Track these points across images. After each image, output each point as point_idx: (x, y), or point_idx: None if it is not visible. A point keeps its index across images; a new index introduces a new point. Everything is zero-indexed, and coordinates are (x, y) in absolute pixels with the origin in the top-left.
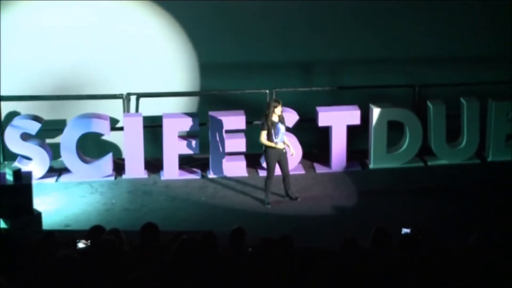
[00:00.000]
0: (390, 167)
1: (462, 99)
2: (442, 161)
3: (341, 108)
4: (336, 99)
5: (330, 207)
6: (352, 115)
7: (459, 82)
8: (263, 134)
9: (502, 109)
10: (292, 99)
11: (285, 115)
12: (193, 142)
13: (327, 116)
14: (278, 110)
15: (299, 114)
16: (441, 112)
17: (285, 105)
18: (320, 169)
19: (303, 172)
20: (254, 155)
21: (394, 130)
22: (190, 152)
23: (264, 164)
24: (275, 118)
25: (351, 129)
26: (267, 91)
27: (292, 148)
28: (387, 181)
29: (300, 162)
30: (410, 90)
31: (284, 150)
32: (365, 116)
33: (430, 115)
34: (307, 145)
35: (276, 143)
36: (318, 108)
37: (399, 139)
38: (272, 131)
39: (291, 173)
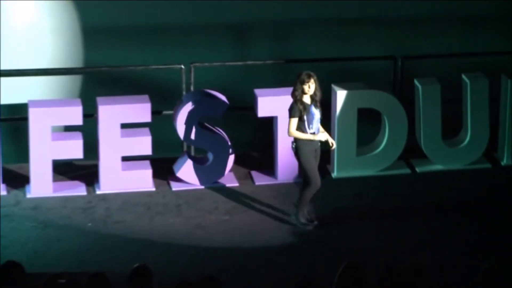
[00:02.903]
0: (362, 176)
1: (464, 76)
2: (436, 166)
3: (290, 90)
4: (283, 78)
5: (276, 233)
6: None
7: (459, 52)
8: (293, 123)
9: None
10: (219, 78)
11: (208, 101)
12: (75, 143)
13: (269, 103)
14: (310, 87)
15: (229, 99)
16: (435, 95)
17: (209, 86)
18: (260, 179)
19: (235, 184)
20: (164, 160)
21: (368, 122)
22: (70, 156)
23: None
24: (306, 99)
25: None
26: (183, 66)
27: (330, 138)
28: (358, 196)
29: (232, 170)
30: (389, 63)
31: (319, 145)
32: (326, 102)
33: (419, 100)
34: (241, 144)
35: (313, 133)
36: (256, 91)
37: (375, 135)
38: (305, 117)
39: (209, 186)
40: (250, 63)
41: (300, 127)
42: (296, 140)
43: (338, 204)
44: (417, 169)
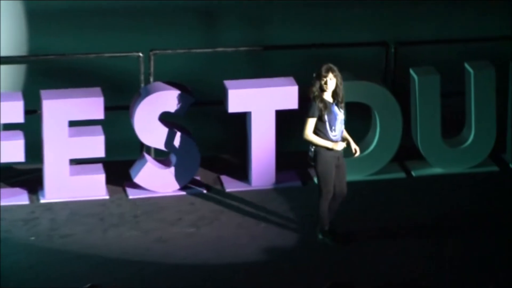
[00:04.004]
0: (349, 181)
1: (467, 65)
2: (435, 169)
3: (266, 82)
4: (258, 68)
5: (248, 248)
6: (285, 94)
7: (461, 37)
8: (310, 124)
9: None
10: (183, 68)
11: (171, 95)
12: (15, 143)
13: (242, 96)
14: (328, 82)
15: (195, 92)
16: (433, 87)
17: (171, 77)
18: (232, 185)
19: (203, 191)
20: (119, 163)
21: (356, 118)
22: (10, 160)
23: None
24: (327, 96)
25: (283, 118)
26: (141, 54)
27: (353, 143)
28: (345, 205)
29: (198, 175)
30: (381, 50)
31: (342, 152)
32: (307, 95)
33: (415, 93)
34: (209, 145)
35: (333, 139)
36: (227, 83)
37: (364, 133)
38: (326, 117)
39: (172, 194)
40: (219, 50)
41: (320, 129)
42: (313, 146)
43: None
44: (413, 173)
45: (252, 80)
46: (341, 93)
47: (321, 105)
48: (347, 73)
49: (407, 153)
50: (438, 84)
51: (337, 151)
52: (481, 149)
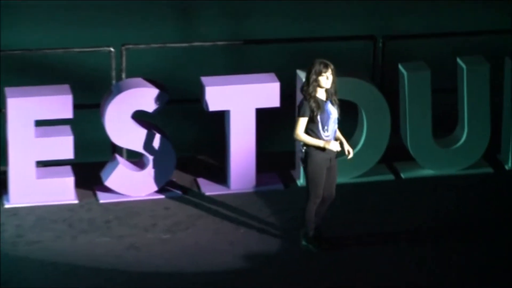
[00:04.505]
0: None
1: (459, 60)
2: (426, 171)
3: (246, 78)
4: (238, 63)
5: (227, 256)
6: (266, 91)
7: (453, 31)
8: (301, 123)
9: None
10: (157, 64)
11: (144, 92)
12: None
13: (220, 94)
14: (326, 80)
15: (170, 89)
16: (424, 84)
17: (145, 73)
18: (209, 188)
19: (175, 195)
20: (89, 165)
21: (342, 117)
22: None
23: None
24: (321, 94)
25: (265, 116)
26: (112, 49)
27: (347, 145)
28: (329, 209)
29: (174, 177)
30: (368, 45)
31: (335, 153)
32: (290, 93)
33: (404, 90)
34: (186, 146)
35: (325, 139)
36: (204, 80)
37: (350, 133)
38: (318, 117)
39: (145, 197)
40: (196, 45)
41: (312, 129)
42: (307, 144)
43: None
44: (402, 175)
45: (231, 77)
46: (334, 88)
47: (314, 104)
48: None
49: (396, 153)
50: (429, 81)
51: (329, 152)
52: (475, 150)
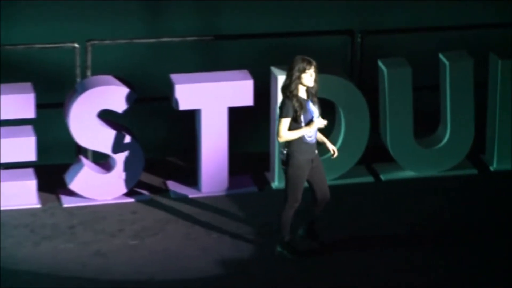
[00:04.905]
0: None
1: (442, 56)
2: (407, 172)
3: (218, 75)
4: (209, 59)
5: (198, 263)
6: (239, 89)
7: (435, 26)
8: (285, 124)
9: None
10: (124, 61)
11: (111, 90)
12: None
13: (190, 92)
14: (310, 78)
15: (138, 87)
16: (405, 81)
17: (111, 70)
18: (180, 191)
19: (143, 198)
20: (53, 168)
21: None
22: None
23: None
24: (302, 93)
25: (238, 115)
26: (77, 45)
27: (330, 144)
28: (305, 213)
29: (142, 180)
30: (346, 40)
31: (317, 154)
32: (264, 90)
33: (384, 87)
34: (154, 147)
35: (308, 140)
36: (174, 77)
37: (328, 132)
38: (302, 117)
39: (112, 201)
40: (165, 40)
41: (295, 130)
42: (289, 146)
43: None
44: (382, 177)
45: (202, 74)
46: (316, 87)
47: (297, 104)
48: None
49: (375, 154)
50: (410, 78)
51: (310, 153)
52: (458, 150)
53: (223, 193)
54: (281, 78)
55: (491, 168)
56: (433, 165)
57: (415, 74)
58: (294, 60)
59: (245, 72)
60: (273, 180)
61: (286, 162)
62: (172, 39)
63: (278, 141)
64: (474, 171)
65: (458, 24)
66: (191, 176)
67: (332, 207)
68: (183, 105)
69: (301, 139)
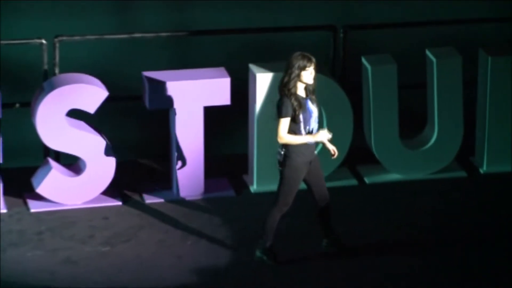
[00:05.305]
0: None
1: (429, 52)
2: (392, 175)
3: (193, 73)
4: (184, 56)
5: (172, 270)
6: (216, 88)
7: (422, 21)
8: (285, 125)
9: (506, 71)
10: (94, 58)
11: (80, 89)
12: None
13: (164, 90)
14: (310, 75)
15: (108, 86)
16: (390, 79)
17: (80, 68)
18: (154, 195)
19: (118, 202)
20: (19, 171)
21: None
22: None
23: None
24: (301, 91)
25: (214, 115)
26: (44, 41)
27: (330, 144)
28: (286, 217)
29: (110, 186)
30: (328, 35)
31: (316, 155)
32: (242, 89)
33: (368, 85)
34: (126, 148)
35: (309, 142)
36: (146, 75)
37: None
38: (300, 116)
39: (82, 206)
40: (137, 36)
41: (294, 131)
42: (287, 147)
43: (260, 228)
44: (366, 180)
45: (176, 71)
46: (314, 85)
47: (295, 103)
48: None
49: (359, 156)
50: (395, 75)
51: (309, 155)
52: (446, 151)
53: (199, 197)
54: (260, 77)
55: (481, 171)
56: (420, 167)
57: (400, 71)
58: (293, 56)
59: (221, 70)
60: (252, 184)
61: (282, 163)
62: (144, 35)
63: (278, 142)
64: (463, 174)
65: (446, 19)
66: (165, 179)
67: (314, 212)
68: (156, 105)
69: (302, 137)
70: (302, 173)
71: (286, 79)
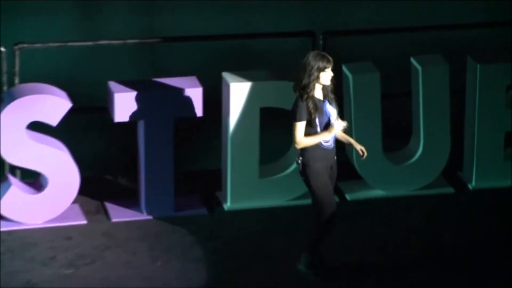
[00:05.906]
0: (267, 207)
1: (413, 60)
2: (375, 191)
3: (163, 82)
4: (153, 64)
5: None
6: (187, 98)
7: (406, 26)
8: (300, 130)
9: (496, 79)
10: (57, 66)
11: (42, 100)
12: None
13: (131, 101)
14: (327, 77)
15: (72, 96)
16: (372, 88)
17: (42, 77)
18: (119, 214)
19: (82, 221)
20: None
21: (276, 128)
22: None
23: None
24: (318, 93)
25: (185, 127)
26: (3, 49)
27: (357, 144)
28: (262, 235)
29: (77, 201)
30: (306, 42)
31: (335, 160)
32: (215, 99)
33: (349, 95)
34: (91, 164)
35: (326, 146)
36: (112, 85)
37: (287, 146)
38: (317, 120)
39: (43, 225)
40: (102, 44)
41: (310, 134)
42: (303, 153)
43: (236, 249)
44: (348, 196)
45: (144, 81)
46: (332, 86)
47: (311, 106)
48: (264, 71)
49: (340, 171)
50: (378, 84)
51: (329, 159)
52: (432, 166)
53: (168, 216)
54: (234, 86)
55: (470, 187)
56: (405, 183)
57: (384, 80)
58: (310, 57)
59: (193, 79)
60: (225, 201)
61: (303, 172)
62: (110, 42)
63: (295, 148)
64: (450, 190)
65: (432, 25)
66: (132, 197)
67: (291, 230)
68: (123, 116)
69: (316, 145)
70: (325, 175)
71: (306, 81)
